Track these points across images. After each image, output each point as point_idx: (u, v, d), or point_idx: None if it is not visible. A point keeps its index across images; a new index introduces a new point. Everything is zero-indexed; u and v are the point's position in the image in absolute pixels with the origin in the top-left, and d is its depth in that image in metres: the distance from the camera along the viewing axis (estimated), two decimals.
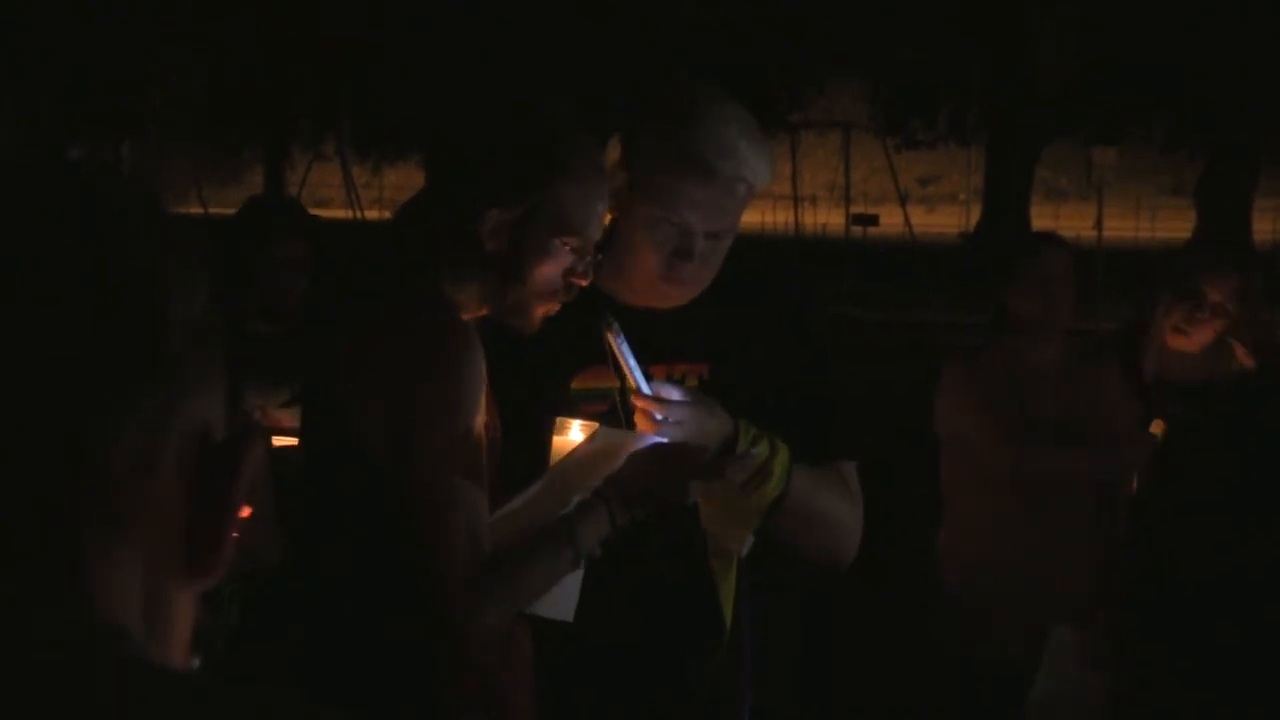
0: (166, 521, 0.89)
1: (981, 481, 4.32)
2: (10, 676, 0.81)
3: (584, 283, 2.55)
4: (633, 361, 2.63)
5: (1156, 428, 4.50)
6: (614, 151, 2.77)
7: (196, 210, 25.92)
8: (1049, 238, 4.62)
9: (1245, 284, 4.59)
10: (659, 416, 2.60)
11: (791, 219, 29.23)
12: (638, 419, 2.63)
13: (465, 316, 2.49)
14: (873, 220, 26.89)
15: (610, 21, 27.83)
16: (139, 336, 0.87)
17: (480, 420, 2.41)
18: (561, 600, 2.56)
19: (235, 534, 0.91)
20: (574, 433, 2.61)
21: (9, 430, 0.85)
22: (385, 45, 30.10)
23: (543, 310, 2.54)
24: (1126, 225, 40.63)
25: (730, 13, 28.80)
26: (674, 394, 2.63)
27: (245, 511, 0.92)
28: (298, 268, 4.36)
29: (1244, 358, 4.53)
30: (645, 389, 2.63)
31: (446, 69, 27.56)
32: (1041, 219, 39.77)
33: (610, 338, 2.65)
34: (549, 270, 2.51)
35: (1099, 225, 22.35)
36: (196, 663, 0.94)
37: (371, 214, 27.76)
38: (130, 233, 0.90)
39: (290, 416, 4.07)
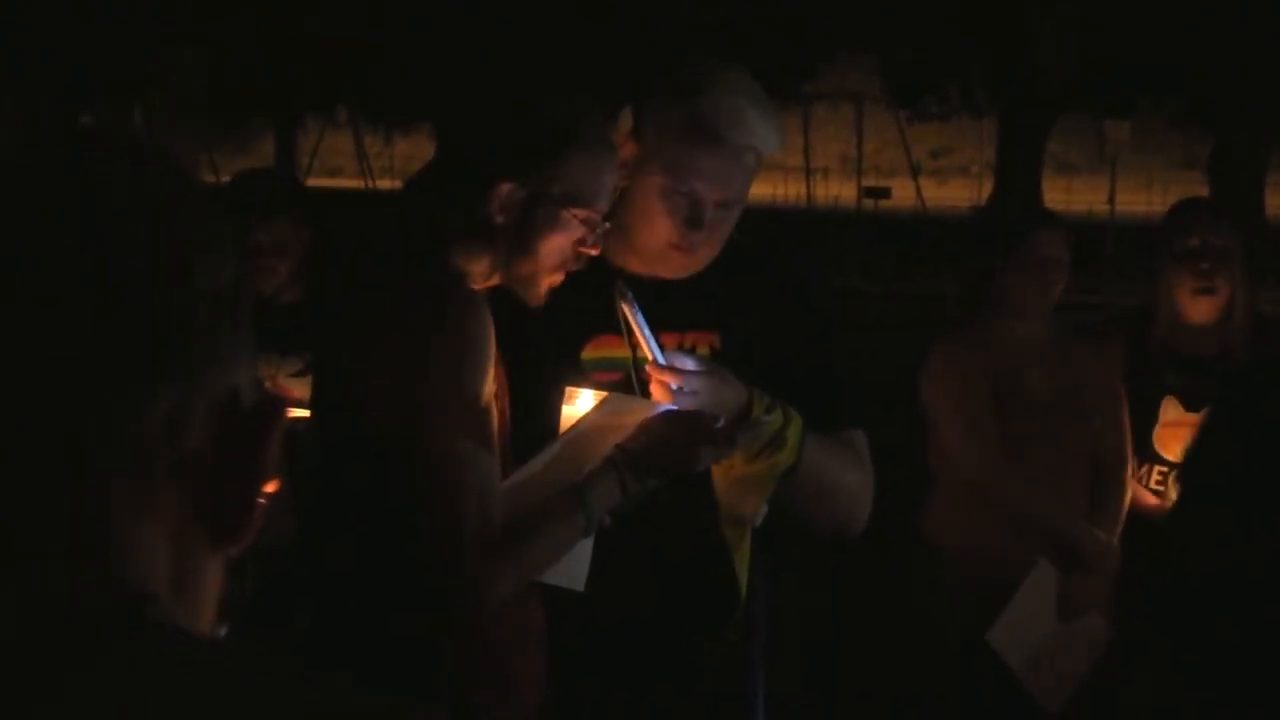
0: (194, 488, 0.90)
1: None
2: (42, 640, 0.83)
3: (594, 252, 2.56)
4: (647, 331, 2.64)
5: (1169, 405, 4.50)
6: (625, 123, 2.78)
7: (210, 179, 25.93)
8: (1044, 218, 4.55)
9: (1235, 227, 4.56)
10: (674, 386, 2.60)
11: (803, 191, 29.18)
12: (653, 389, 2.64)
13: (475, 287, 2.50)
14: (885, 193, 26.82)
15: (610, 20, 27.75)
16: (166, 307, 0.88)
17: (490, 388, 2.42)
18: (572, 569, 2.57)
19: (261, 502, 0.92)
20: (584, 401, 2.61)
21: (38, 400, 0.86)
22: (383, 46, 30.08)
23: (549, 281, 2.56)
24: (1139, 199, 40.48)
25: (730, 12, 28.71)
26: (689, 364, 2.64)
27: (271, 486, 0.93)
28: (280, 247, 4.34)
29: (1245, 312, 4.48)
30: (660, 359, 2.64)
31: (446, 69, 27.46)
32: (1053, 192, 39.63)
33: (625, 308, 2.65)
34: (559, 242, 2.52)
35: (1111, 199, 22.30)
36: (223, 630, 0.95)
37: (383, 183, 27.73)
38: (155, 204, 0.91)
39: (300, 387, 4.08)
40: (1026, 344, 4.36)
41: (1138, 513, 4.38)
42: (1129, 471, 4.39)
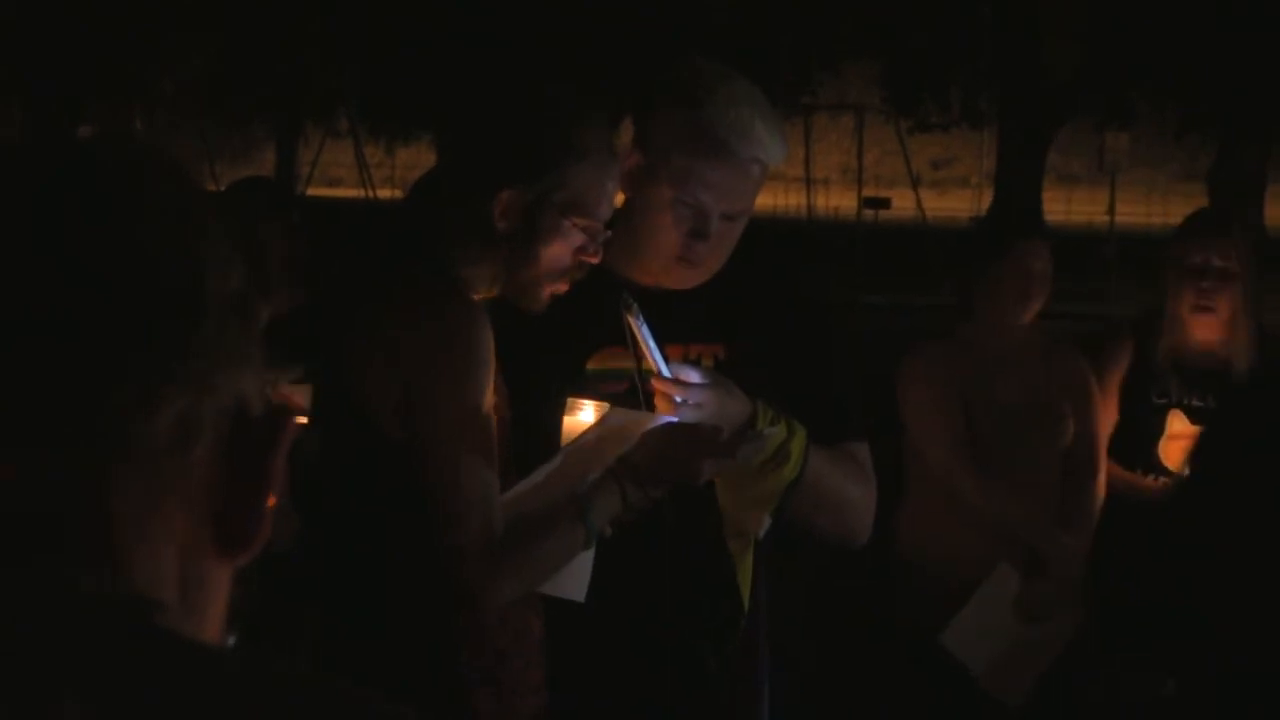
0: (202, 496, 0.90)
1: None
2: (51, 646, 0.83)
3: (595, 260, 2.57)
4: (652, 343, 2.63)
5: (1174, 418, 4.52)
6: (627, 133, 2.78)
7: (210, 188, 25.79)
8: (1027, 231, 4.54)
9: (1241, 240, 4.58)
10: (679, 399, 2.60)
11: (804, 201, 29.18)
12: (658, 401, 2.63)
13: (476, 296, 2.50)
14: (885, 203, 26.79)
15: (609, 30, 27.73)
16: (176, 312, 0.88)
17: (490, 399, 2.43)
18: (572, 579, 2.57)
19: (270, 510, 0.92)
20: (585, 413, 2.61)
21: (46, 404, 0.85)
22: (386, 55, 30.07)
23: (551, 289, 2.56)
24: (1138, 210, 40.47)
25: (730, 22, 28.68)
26: (694, 376, 2.63)
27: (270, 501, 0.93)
28: (275, 251, 4.37)
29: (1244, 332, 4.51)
30: (665, 371, 2.63)
31: (448, 57, 27.42)
32: (1053, 203, 39.61)
33: (630, 319, 2.65)
34: (560, 250, 2.52)
35: (1111, 210, 22.29)
36: (232, 640, 0.94)
37: (384, 193, 27.72)
38: (165, 209, 0.91)
39: (302, 393, 4.08)
40: (998, 351, 4.38)
41: (1132, 498, 4.40)
42: (1100, 477, 4.41)
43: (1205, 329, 4.52)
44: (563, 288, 2.56)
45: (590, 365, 2.77)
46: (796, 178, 29.82)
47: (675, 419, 2.58)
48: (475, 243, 2.50)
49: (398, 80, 30.71)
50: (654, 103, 2.78)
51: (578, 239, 2.53)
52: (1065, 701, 4.36)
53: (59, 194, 0.89)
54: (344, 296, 2.62)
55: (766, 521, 2.79)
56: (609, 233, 2.58)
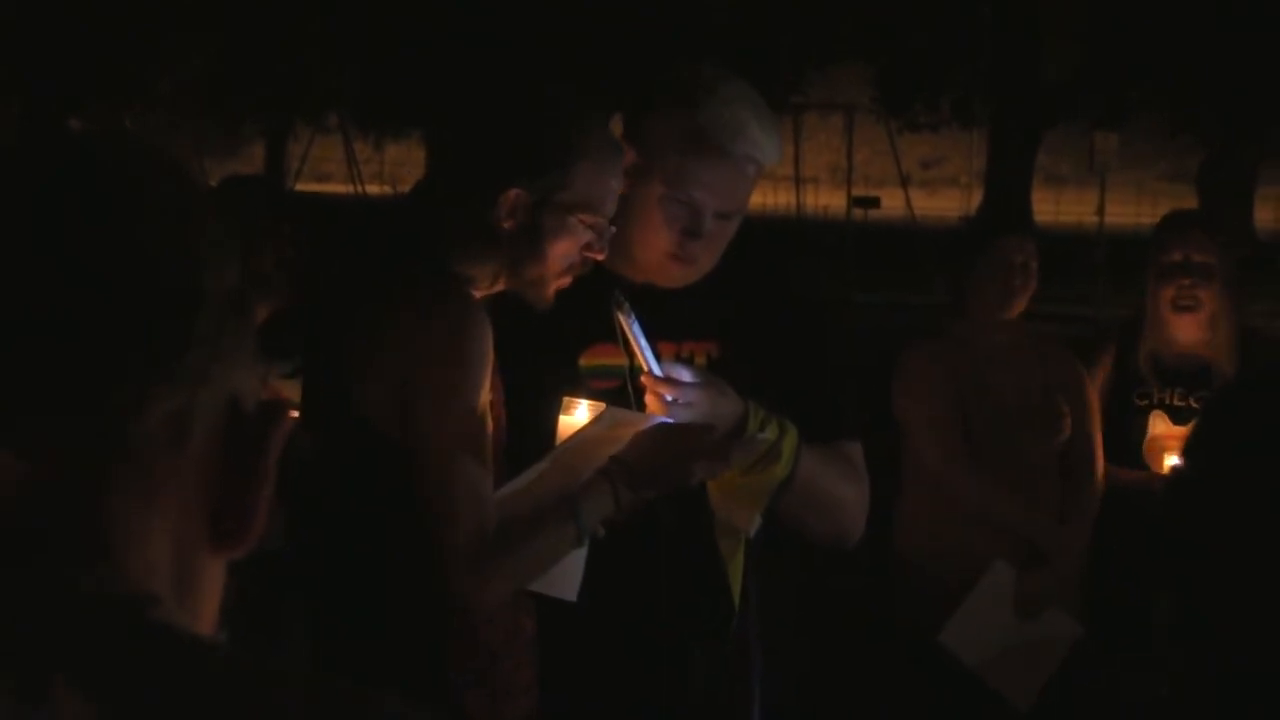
0: (197, 492, 0.90)
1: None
2: (48, 639, 0.82)
3: (600, 257, 2.56)
4: (643, 341, 2.63)
5: (1157, 419, 4.53)
6: (616, 129, 2.77)
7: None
8: (1010, 226, 4.57)
9: (1221, 236, 4.60)
10: (670, 398, 2.60)
11: (793, 200, 29.24)
12: (648, 400, 2.63)
13: (478, 294, 2.50)
14: (874, 203, 26.86)
15: (599, 30, 27.78)
16: (171, 308, 0.88)
17: (486, 397, 2.43)
18: (564, 578, 2.57)
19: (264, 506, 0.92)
20: (580, 412, 2.60)
21: (40, 398, 0.85)
22: (377, 51, 30.13)
23: (558, 283, 2.56)
24: (1128, 211, 40.58)
25: (721, 21, 28.75)
26: (685, 375, 2.63)
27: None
28: (273, 249, 4.38)
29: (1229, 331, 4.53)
30: (656, 369, 2.63)
31: (448, 57, 27.47)
32: (1042, 204, 39.73)
33: (620, 317, 2.64)
34: (567, 247, 2.52)
35: (1100, 211, 22.34)
36: (223, 635, 0.94)
37: (372, 188, 27.72)
38: (163, 205, 0.91)
39: (291, 388, 4.08)
40: (993, 349, 4.40)
41: (1123, 491, 4.41)
42: (1098, 475, 4.42)
43: (1188, 328, 4.53)
44: (566, 282, 2.56)
45: (583, 361, 2.76)
46: (786, 176, 29.86)
47: (669, 419, 2.58)
48: (476, 242, 2.49)
49: (397, 80, 30.72)
50: (652, 102, 2.77)
51: (585, 236, 2.53)
52: (1065, 701, 4.37)
53: (59, 194, 0.89)
54: (344, 296, 2.61)
55: (757, 521, 2.78)
56: (614, 229, 2.58)
